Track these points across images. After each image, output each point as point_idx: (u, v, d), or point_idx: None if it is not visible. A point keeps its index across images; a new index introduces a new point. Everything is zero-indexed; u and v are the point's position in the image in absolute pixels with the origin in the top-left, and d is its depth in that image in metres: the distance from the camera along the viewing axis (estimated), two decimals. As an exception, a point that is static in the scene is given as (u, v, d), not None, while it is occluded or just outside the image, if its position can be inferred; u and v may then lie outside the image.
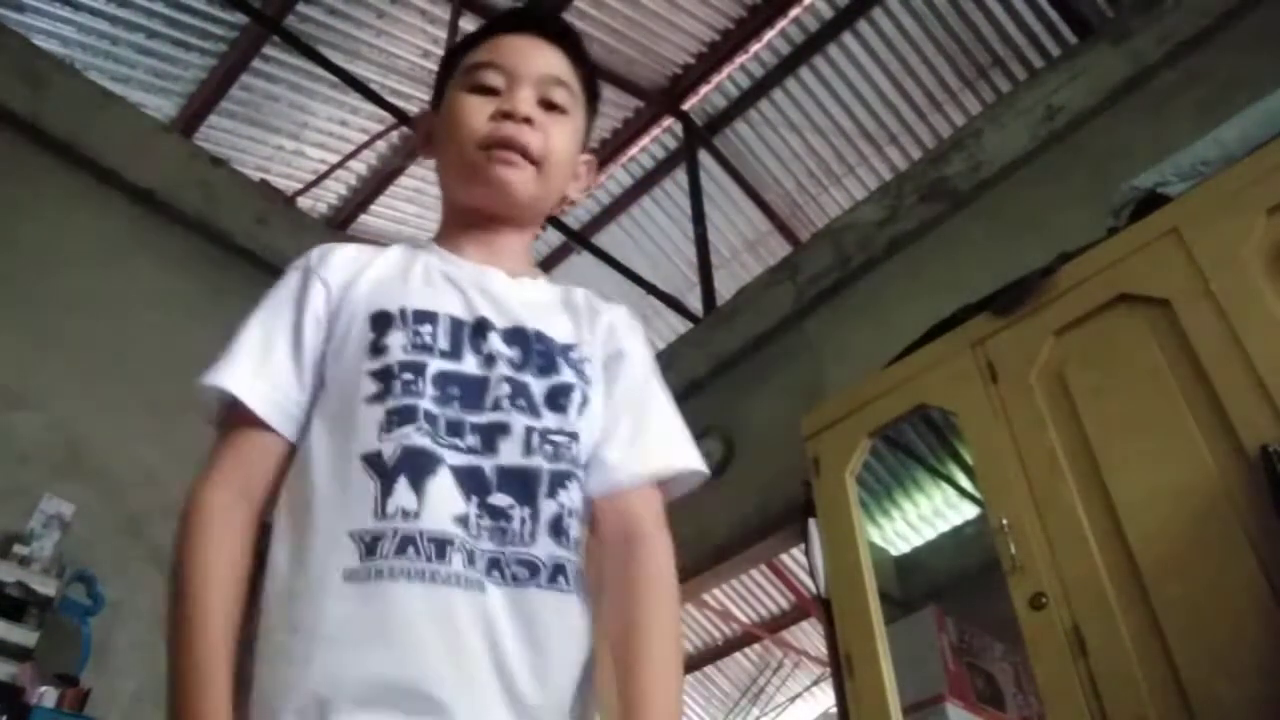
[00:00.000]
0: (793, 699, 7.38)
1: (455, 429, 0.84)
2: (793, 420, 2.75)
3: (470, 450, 0.83)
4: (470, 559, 0.78)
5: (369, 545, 0.77)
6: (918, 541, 4.62)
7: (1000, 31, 4.24)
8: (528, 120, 0.97)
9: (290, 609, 0.78)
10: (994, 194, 3.17)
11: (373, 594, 0.75)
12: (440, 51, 4.57)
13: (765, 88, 4.78)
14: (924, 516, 4.58)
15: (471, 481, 0.82)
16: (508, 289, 0.97)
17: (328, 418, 0.86)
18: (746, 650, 7.20)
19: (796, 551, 4.36)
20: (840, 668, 2.28)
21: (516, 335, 0.92)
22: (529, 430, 0.86)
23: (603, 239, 5.19)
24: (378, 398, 0.84)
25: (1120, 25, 3.04)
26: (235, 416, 0.87)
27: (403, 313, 0.90)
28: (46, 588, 2.43)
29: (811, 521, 2.53)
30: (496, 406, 0.86)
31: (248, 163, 4.65)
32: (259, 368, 0.87)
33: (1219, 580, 1.69)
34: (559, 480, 0.85)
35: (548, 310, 0.98)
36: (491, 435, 0.85)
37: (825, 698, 6.91)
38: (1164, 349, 1.92)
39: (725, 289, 4.45)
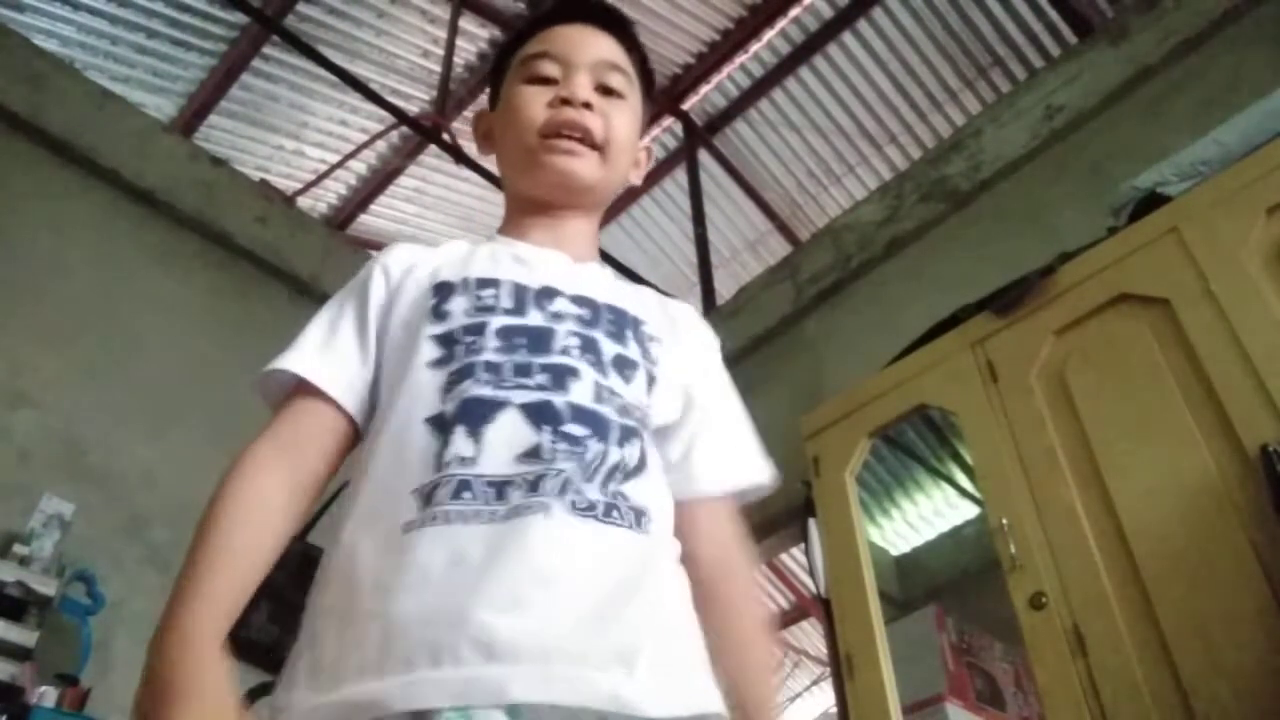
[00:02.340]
0: (793, 699, 7.38)
1: (523, 370, 0.82)
2: (793, 420, 2.75)
3: (540, 388, 0.81)
4: (534, 487, 0.75)
5: (427, 496, 0.75)
6: (918, 541, 4.61)
7: (1000, 31, 4.24)
8: (587, 105, 0.96)
9: (354, 571, 0.75)
10: (994, 194, 3.16)
11: (428, 538, 0.73)
12: (440, 51, 4.57)
13: (765, 88, 4.78)
14: (924, 516, 4.58)
15: (543, 414, 0.80)
16: (574, 269, 0.95)
17: (391, 386, 0.85)
18: (746, 650, 7.20)
19: (796, 551, 4.36)
20: (840, 668, 2.28)
21: (585, 301, 0.90)
22: (597, 384, 0.84)
23: (602, 238, 5.13)
24: (440, 362, 0.83)
25: (1120, 25, 3.03)
26: (296, 392, 0.86)
27: (465, 281, 0.89)
28: (46, 587, 2.42)
29: (811, 521, 2.53)
30: (564, 353, 0.85)
31: (248, 163, 4.64)
32: (324, 350, 0.88)
33: (1219, 580, 1.69)
34: (626, 434, 0.82)
35: (617, 290, 0.96)
36: (561, 376, 0.83)
37: (825, 698, 6.91)
38: (1164, 349, 1.92)
39: (725, 289, 4.45)
